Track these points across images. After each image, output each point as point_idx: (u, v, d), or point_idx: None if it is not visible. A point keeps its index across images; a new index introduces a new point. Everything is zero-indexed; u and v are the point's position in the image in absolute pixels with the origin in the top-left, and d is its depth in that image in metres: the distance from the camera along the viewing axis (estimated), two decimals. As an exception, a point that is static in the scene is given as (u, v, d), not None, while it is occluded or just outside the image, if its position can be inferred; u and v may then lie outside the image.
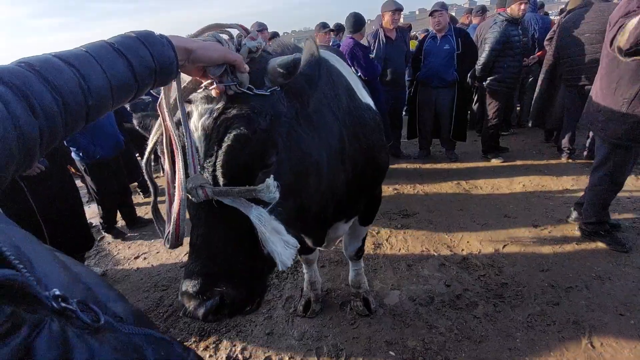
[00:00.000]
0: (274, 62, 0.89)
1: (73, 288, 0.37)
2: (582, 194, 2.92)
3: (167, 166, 0.86)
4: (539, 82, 4.41)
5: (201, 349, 2.10)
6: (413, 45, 5.28)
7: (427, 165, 4.66)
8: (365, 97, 1.63)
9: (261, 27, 4.29)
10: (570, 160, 4.30)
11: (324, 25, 4.19)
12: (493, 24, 4.05)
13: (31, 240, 0.42)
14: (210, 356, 2.04)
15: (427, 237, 3.04)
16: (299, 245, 0.89)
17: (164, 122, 0.84)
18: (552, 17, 5.83)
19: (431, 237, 3.03)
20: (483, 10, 5.70)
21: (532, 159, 4.53)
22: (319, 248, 2.11)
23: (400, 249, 2.90)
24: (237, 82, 0.83)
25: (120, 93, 0.64)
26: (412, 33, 8.92)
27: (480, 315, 2.14)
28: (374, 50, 4.26)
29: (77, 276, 0.42)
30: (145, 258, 3.22)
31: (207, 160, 0.82)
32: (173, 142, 0.81)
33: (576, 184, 3.70)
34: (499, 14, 4.14)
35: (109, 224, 3.64)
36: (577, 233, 2.83)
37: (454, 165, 4.57)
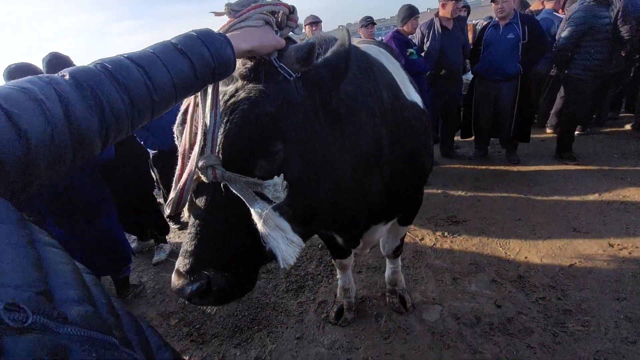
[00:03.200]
0: (291, 48, 0.86)
1: (27, 287, 0.38)
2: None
3: (185, 136, 0.87)
4: None
5: (234, 344, 2.14)
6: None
7: (483, 167, 4.26)
8: (412, 95, 1.50)
9: (315, 20, 4.22)
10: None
11: (366, 19, 4.00)
12: (579, 5, 3.56)
13: (10, 236, 0.43)
14: (241, 354, 2.06)
15: (477, 248, 2.77)
16: (304, 245, 0.86)
17: (195, 96, 0.85)
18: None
19: (482, 248, 2.75)
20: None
21: (613, 163, 3.90)
22: (354, 252, 2.04)
23: (445, 259, 2.67)
24: (275, 61, 0.85)
25: (182, 90, 0.70)
26: (476, 21, 8.21)
27: (535, 345, 1.88)
28: (428, 42, 3.97)
29: (43, 277, 0.42)
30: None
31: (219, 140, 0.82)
32: (199, 116, 0.82)
33: (670, 196, 3.10)
34: None
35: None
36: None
37: (515, 168, 4.12)
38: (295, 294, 2.49)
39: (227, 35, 0.77)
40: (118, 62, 0.64)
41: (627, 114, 5.29)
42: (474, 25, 6.41)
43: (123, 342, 0.46)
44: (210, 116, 0.79)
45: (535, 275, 2.39)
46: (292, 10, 0.89)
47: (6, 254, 0.39)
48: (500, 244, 2.77)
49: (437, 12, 4.04)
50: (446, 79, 4.08)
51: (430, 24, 4.01)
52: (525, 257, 2.58)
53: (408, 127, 1.36)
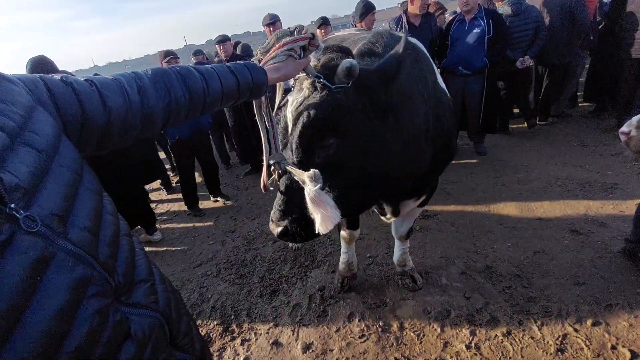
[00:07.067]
0: (341, 66, 1.09)
1: (49, 209, 0.55)
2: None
3: (264, 139, 1.21)
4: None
5: (206, 355, 2.08)
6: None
7: (452, 160, 4.35)
8: (442, 82, 1.72)
9: (273, 19, 4.12)
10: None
11: (320, 20, 3.97)
12: None
13: (63, 177, 0.61)
14: (214, 364, 2.01)
15: (448, 241, 2.82)
16: (339, 219, 1.08)
17: (264, 114, 1.19)
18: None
19: (452, 241, 2.81)
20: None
21: (572, 152, 4.09)
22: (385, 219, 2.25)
23: (417, 254, 2.71)
24: (314, 75, 1.13)
25: (227, 98, 0.98)
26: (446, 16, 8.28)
27: (501, 334, 1.94)
28: None
29: (67, 207, 0.59)
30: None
31: (290, 138, 1.18)
32: (269, 126, 1.18)
33: (628, 182, 3.28)
34: None
35: (188, 201, 3.99)
36: (622, 242, 2.50)
37: (482, 160, 4.24)
38: (269, 299, 2.46)
39: (265, 67, 1.06)
40: (188, 70, 0.90)
41: (584, 104, 5.54)
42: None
43: (105, 266, 0.62)
44: (269, 126, 1.13)
45: (501, 265, 2.46)
46: (312, 37, 1.11)
47: (50, 187, 0.57)
48: (469, 236, 2.84)
49: (406, 9, 4.06)
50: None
51: (399, 20, 4.03)
52: (493, 248, 2.65)
53: (445, 109, 1.59)
